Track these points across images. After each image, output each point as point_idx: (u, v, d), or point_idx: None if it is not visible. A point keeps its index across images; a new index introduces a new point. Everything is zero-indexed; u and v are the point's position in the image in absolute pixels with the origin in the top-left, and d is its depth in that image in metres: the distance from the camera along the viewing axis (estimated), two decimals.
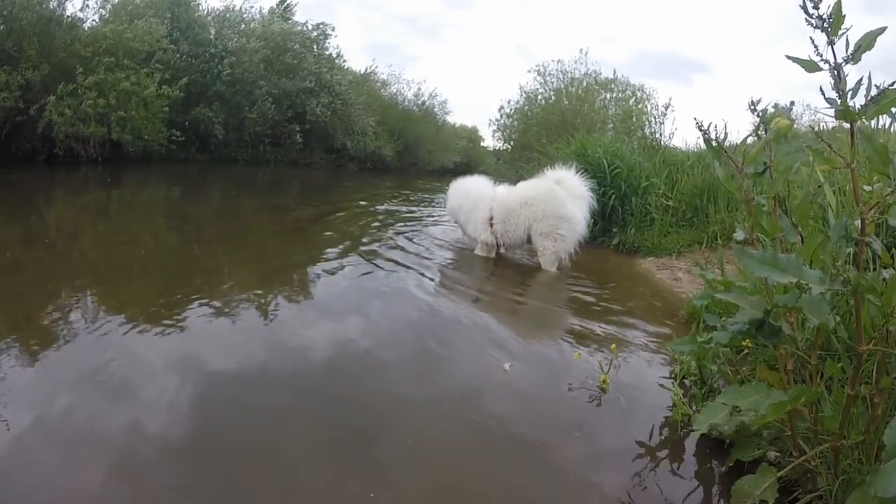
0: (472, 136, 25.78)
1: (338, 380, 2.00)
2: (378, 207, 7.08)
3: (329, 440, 1.60)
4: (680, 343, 1.51)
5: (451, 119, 23.07)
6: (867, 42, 0.98)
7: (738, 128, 10.27)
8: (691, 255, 4.18)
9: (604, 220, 4.92)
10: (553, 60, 11.27)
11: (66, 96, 8.56)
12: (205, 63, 12.42)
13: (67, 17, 9.23)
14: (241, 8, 14.27)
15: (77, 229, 4.68)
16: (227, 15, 13.86)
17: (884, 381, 1.16)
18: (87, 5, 9.76)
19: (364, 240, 4.56)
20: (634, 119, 8.29)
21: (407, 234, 4.83)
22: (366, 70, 18.58)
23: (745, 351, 1.98)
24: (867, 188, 1.12)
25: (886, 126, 3.03)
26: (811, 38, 0.99)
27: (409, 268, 3.59)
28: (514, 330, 2.62)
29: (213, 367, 1.99)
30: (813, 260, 1.13)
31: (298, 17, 16.14)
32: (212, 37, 12.99)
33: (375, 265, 3.60)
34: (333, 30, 15.82)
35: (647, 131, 7.14)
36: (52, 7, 8.81)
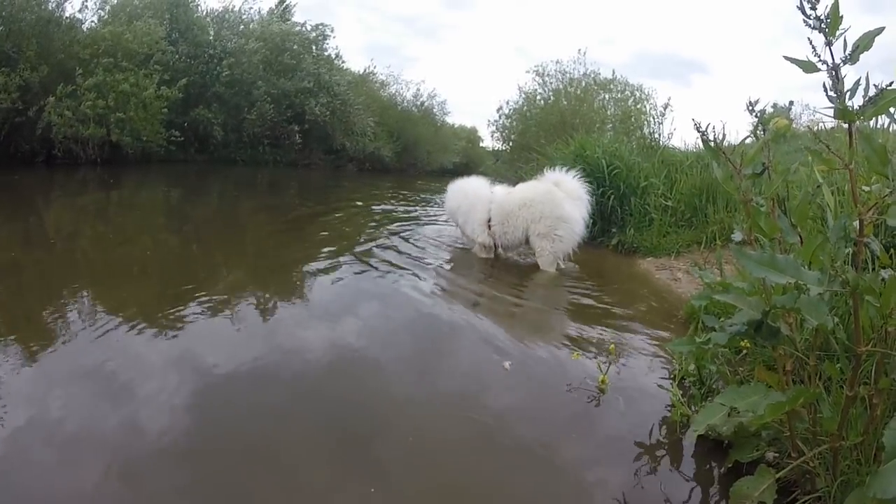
0: (471, 136, 25.72)
1: (337, 380, 2.00)
2: (376, 207, 7.08)
3: (329, 440, 1.60)
4: (679, 343, 1.51)
5: (450, 120, 23.02)
6: (865, 42, 0.98)
7: (737, 128, 10.26)
8: (690, 255, 4.18)
9: (603, 221, 4.92)
10: (552, 61, 11.21)
11: (65, 97, 8.56)
12: (204, 64, 12.40)
13: (66, 18, 9.24)
14: (240, 9, 14.30)
15: (76, 230, 4.68)
16: (226, 16, 13.84)
17: (882, 382, 1.15)
18: (86, 6, 9.80)
19: (361, 239, 4.55)
20: (633, 119, 8.26)
21: (403, 235, 4.84)
22: (365, 70, 18.56)
23: (744, 352, 1.98)
24: (866, 189, 1.12)
25: (885, 126, 3.03)
26: (809, 38, 0.99)
27: (404, 269, 3.60)
28: (512, 331, 2.62)
29: (212, 367, 1.99)
30: (811, 261, 1.13)
31: (297, 17, 16.08)
32: (211, 38, 12.97)
33: (372, 266, 3.60)
34: (332, 30, 15.81)
35: (645, 131, 7.13)
36: (50, 8, 8.80)
